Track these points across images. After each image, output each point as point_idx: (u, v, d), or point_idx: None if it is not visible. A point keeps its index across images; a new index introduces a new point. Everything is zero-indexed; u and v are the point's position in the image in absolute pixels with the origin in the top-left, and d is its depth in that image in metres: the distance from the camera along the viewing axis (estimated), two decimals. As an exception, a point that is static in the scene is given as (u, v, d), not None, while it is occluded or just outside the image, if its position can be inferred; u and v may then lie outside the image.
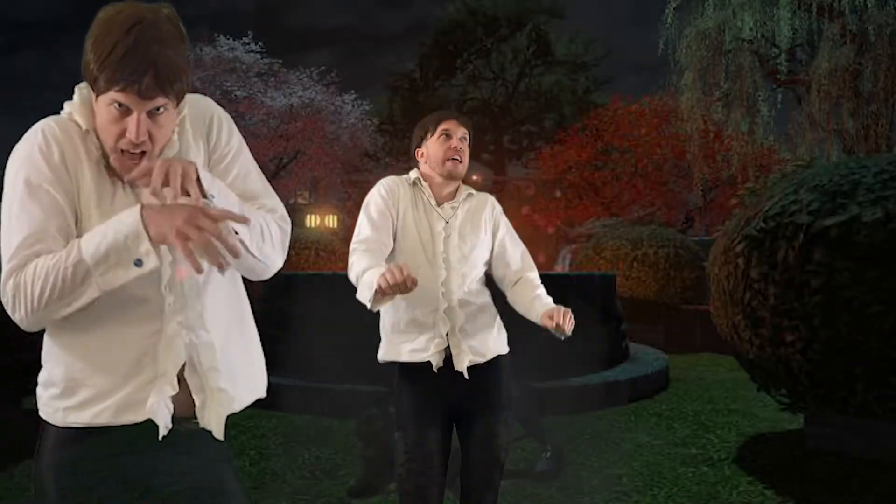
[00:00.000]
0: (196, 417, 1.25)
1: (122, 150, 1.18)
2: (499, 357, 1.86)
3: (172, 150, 1.24)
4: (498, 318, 1.93)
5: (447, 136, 1.82)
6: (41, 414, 1.25)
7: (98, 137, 1.21)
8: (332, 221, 27.18)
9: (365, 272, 1.63)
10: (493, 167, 27.40)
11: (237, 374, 1.30)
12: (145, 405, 1.20)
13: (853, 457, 3.55)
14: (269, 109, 16.63)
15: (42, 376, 1.26)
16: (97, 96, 1.18)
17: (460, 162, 1.82)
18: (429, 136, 1.86)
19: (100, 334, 1.22)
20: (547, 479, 3.24)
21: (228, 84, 16.50)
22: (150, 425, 1.20)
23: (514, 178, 23.54)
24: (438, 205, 1.86)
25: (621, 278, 8.27)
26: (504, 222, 1.94)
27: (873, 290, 2.88)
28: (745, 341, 3.54)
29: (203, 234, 1.05)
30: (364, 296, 1.59)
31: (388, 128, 25.26)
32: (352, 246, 1.81)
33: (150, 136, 1.18)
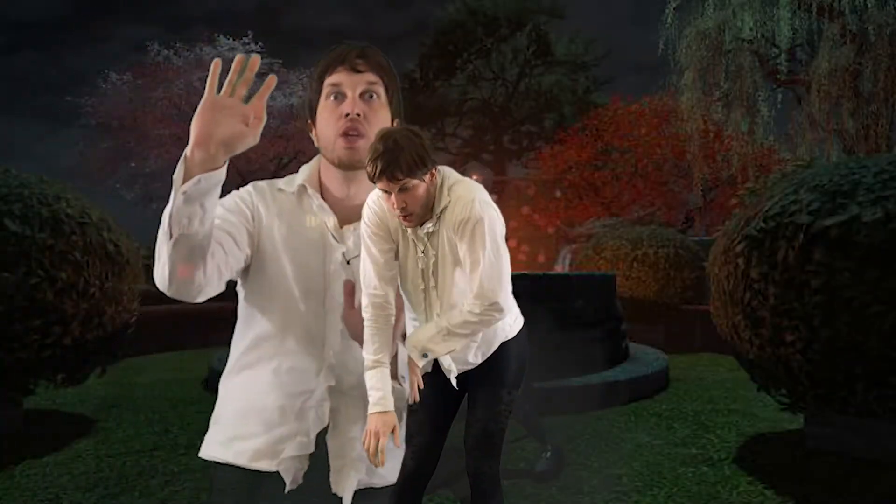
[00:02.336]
0: (329, 481, 1.27)
1: (343, 133, 1.28)
2: (499, 346, 1.76)
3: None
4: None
5: (385, 193, 1.40)
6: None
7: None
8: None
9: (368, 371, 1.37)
10: (493, 167, 27.40)
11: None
12: (280, 456, 1.26)
13: (853, 457, 3.55)
14: (269, 109, 16.48)
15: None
16: (317, 104, 1.33)
17: (412, 214, 1.43)
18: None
19: (260, 379, 1.30)
20: (547, 479, 3.24)
21: (228, 84, 16.47)
22: (280, 476, 1.26)
23: (514, 178, 23.53)
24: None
25: (621, 278, 8.27)
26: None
27: (873, 290, 2.88)
28: (745, 341, 3.54)
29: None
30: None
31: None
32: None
33: (365, 117, 1.29)
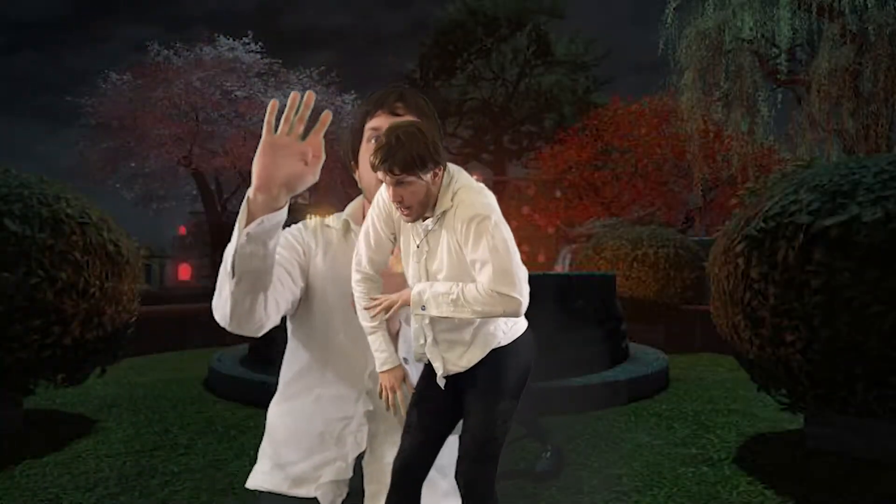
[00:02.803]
0: None
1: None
2: (490, 353, 1.74)
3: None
4: (477, 329, 1.60)
5: (385, 184, 1.49)
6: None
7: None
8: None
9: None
10: (493, 167, 27.39)
11: None
12: (318, 481, 1.31)
13: (853, 457, 3.55)
14: (268, 110, 16.60)
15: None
16: (359, 148, 1.41)
17: (409, 208, 1.46)
18: None
19: (302, 409, 1.39)
20: (547, 479, 3.24)
21: (228, 84, 16.49)
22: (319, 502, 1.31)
23: (514, 178, 23.54)
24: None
25: (621, 278, 8.27)
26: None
27: (873, 290, 2.88)
28: (745, 341, 3.54)
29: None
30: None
31: (388, 128, 25.23)
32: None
33: None
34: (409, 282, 1.51)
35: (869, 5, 11.18)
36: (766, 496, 3.06)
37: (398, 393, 1.34)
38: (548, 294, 5.17)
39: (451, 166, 1.42)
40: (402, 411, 1.36)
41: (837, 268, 2.96)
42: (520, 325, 1.66)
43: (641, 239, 8.97)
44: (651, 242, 8.87)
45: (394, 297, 1.32)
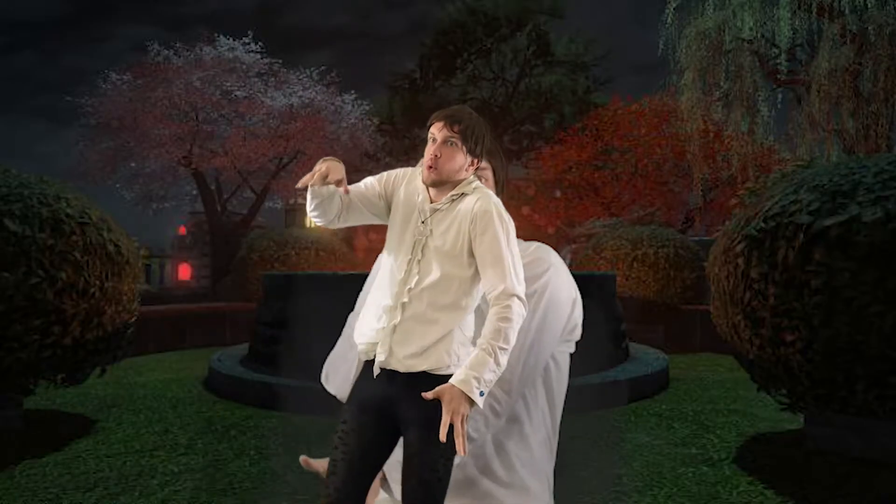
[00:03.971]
0: None
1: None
2: (433, 378, 1.60)
3: None
4: (459, 334, 1.66)
5: (432, 140, 1.70)
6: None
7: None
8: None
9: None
10: (493, 167, 27.28)
11: None
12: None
13: (853, 457, 3.55)
14: (269, 109, 16.61)
15: None
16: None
17: (434, 168, 1.65)
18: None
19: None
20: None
21: (228, 84, 16.48)
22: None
23: (514, 178, 23.52)
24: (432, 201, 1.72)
25: (621, 278, 8.27)
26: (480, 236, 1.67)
27: (873, 290, 2.88)
28: (745, 341, 3.54)
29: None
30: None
31: (388, 128, 25.25)
32: None
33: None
34: (398, 255, 1.67)
35: (869, 5, 11.17)
36: (766, 496, 3.06)
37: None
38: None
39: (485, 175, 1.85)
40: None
41: (837, 268, 2.96)
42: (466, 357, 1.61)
43: (641, 239, 8.97)
44: (651, 242, 8.87)
45: (451, 418, 1.48)
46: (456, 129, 1.64)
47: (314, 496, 3.08)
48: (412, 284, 1.60)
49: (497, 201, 1.65)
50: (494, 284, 1.56)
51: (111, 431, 4.29)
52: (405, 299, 1.60)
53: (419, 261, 1.61)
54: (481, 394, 1.44)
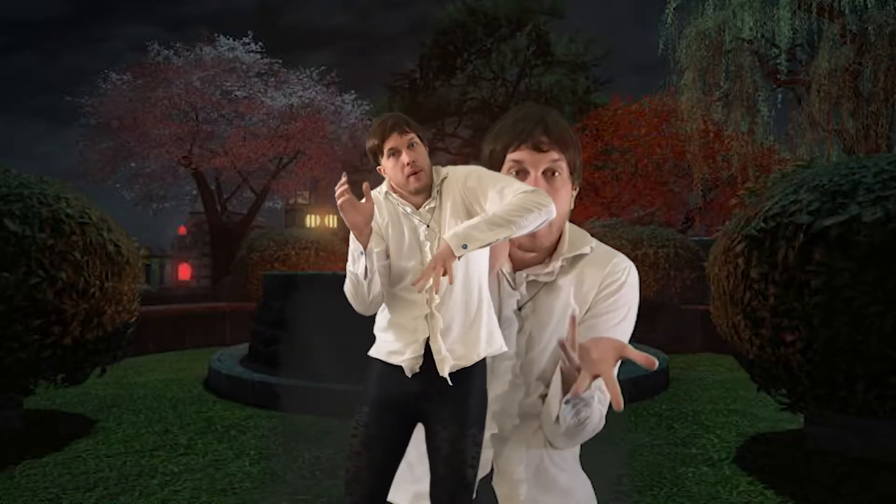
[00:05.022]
0: None
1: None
2: (476, 363, 1.57)
3: None
4: (487, 319, 1.59)
5: (395, 154, 1.52)
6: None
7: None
8: (332, 221, 27.17)
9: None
10: (493, 167, 27.30)
11: None
12: None
13: (853, 457, 3.55)
14: (269, 109, 16.63)
15: None
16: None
17: (420, 171, 1.59)
18: (380, 156, 1.68)
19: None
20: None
21: (228, 84, 16.50)
22: None
23: (514, 178, 23.50)
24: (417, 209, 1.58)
25: (621, 278, 8.26)
26: (473, 185, 1.49)
27: (873, 290, 2.88)
28: (745, 341, 3.54)
29: None
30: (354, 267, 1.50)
31: (388, 128, 25.22)
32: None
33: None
34: (412, 262, 1.48)
35: (869, 5, 11.17)
36: (766, 496, 3.06)
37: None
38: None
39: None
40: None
41: (837, 268, 2.96)
42: (496, 346, 1.52)
43: (641, 239, 8.97)
44: (651, 242, 8.87)
45: (429, 264, 1.29)
46: (407, 130, 1.53)
47: (314, 496, 3.08)
48: (443, 290, 1.53)
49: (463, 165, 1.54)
50: (504, 193, 1.38)
51: (111, 431, 4.29)
52: (437, 301, 1.56)
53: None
54: (465, 247, 1.30)
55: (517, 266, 1.47)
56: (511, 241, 1.38)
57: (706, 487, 3.18)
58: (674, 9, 13.34)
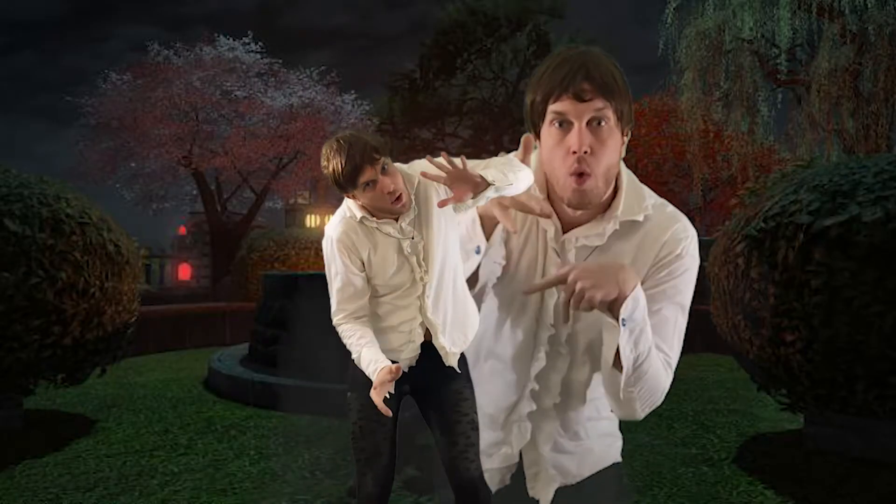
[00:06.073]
0: None
1: (571, 173, 1.18)
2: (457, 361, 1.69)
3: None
4: (470, 302, 1.60)
5: (372, 184, 1.41)
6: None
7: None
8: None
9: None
10: (493, 167, 27.30)
11: None
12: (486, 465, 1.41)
13: (853, 457, 3.55)
14: (269, 109, 16.63)
15: None
16: (541, 127, 1.24)
17: (402, 193, 1.40)
18: (350, 188, 1.46)
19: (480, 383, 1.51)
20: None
21: (228, 84, 16.50)
22: None
23: (514, 178, 23.48)
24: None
25: (621, 278, 8.24)
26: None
27: (873, 290, 2.88)
28: (745, 341, 3.54)
29: None
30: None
31: (388, 128, 25.27)
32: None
33: (592, 152, 1.16)
34: (397, 292, 1.46)
35: (869, 5, 11.17)
36: (766, 496, 3.06)
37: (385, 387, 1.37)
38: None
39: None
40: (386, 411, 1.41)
41: (837, 268, 2.96)
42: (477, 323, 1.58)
43: (641, 239, 8.95)
44: (651, 242, 8.84)
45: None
46: (377, 156, 1.42)
47: (314, 496, 3.08)
48: (430, 293, 1.52)
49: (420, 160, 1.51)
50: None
51: (111, 431, 4.29)
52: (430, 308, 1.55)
53: (426, 272, 1.53)
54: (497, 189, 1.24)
55: (565, 227, 1.32)
56: (559, 196, 1.27)
57: (706, 487, 3.18)
58: (674, 9, 13.34)
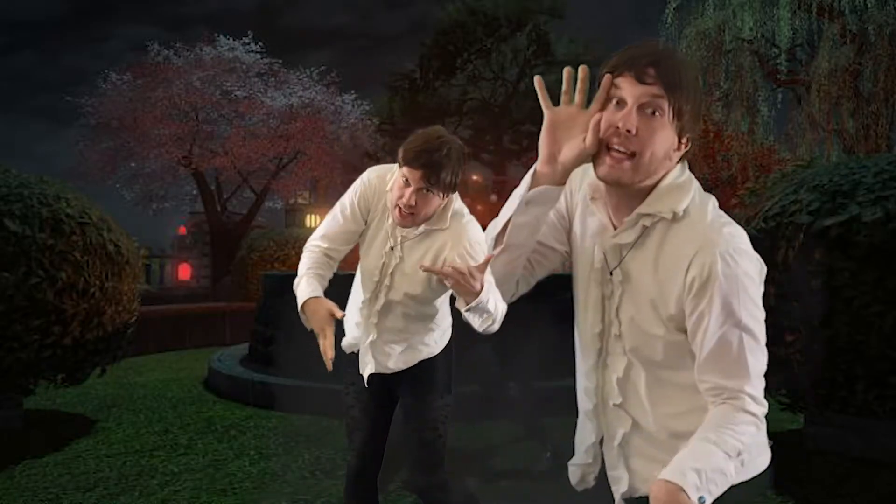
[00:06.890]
0: None
1: (609, 147, 1.14)
2: (422, 363, 1.84)
3: None
4: (414, 338, 1.82)
5: (407, 184, 1.54)
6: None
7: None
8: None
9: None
10: (493, 167, 27.37)
11: None
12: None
13: (853, 457, 3.54)
14: (269, 109, 16.62)
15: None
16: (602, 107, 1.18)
17: (409, 216, 1.52)
18: (401, 166, 1.59)
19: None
20: (547, 479, 3.24)
21: (228, 84, 16.49)
22: None
23: (515, 178, 23.51)
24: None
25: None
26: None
27: (873, 290, 2.88)
28: (745, 341, 3.53)
29: None
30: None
31: (388, 128, 25.24)
32: None
33: (637, 133, 1.12)
34: (366, 272, 1.65)
35: (869, 5, 11.17)
36: (766, 496, 3.06)
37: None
38: (548, 293, 5.15)
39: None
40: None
41: (837, 268, 2.96)
42: (448, 333, 1.83)
43: (641, 239, 8.95)
44: (651, 242, 8.84)
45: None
46: (432, 182, 1.48)
47: (314, 496, 3.08)
48: (377, 307, 1.85)
49: (475, 230, 1.67)
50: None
51: (111, 431, 4.29)
52: (374, 319, 1.90)
53: (388, 287, 1.82)
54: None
55: (620, 212, 1.20)
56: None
57: (706, 487, 3.18)
58: (674, 9, 13.33)
